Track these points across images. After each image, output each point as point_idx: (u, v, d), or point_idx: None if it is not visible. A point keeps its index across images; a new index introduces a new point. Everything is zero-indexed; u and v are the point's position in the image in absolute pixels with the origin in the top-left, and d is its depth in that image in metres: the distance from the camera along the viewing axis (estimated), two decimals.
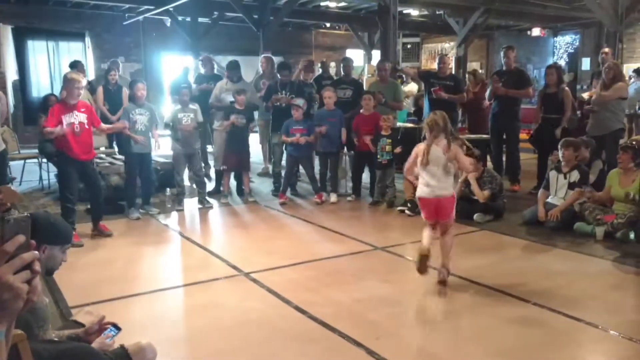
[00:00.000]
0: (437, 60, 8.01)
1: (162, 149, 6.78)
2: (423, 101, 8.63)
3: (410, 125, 9.02)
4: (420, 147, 4.24)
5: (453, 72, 10.16)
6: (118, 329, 2.32)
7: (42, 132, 7.66)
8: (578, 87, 12.04)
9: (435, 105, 7.50)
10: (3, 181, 5.87)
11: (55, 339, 2.21)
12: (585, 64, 14.32)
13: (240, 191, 7.37)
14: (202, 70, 8.84)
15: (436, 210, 4.20)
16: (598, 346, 3.30)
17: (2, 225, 1.07)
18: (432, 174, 4.15)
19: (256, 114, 8.51)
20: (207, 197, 6.94)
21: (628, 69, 11.08)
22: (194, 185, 7.22)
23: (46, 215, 2.39)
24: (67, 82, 5.31)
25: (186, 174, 6.99)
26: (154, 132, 6.37)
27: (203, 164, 8.41)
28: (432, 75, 7.84)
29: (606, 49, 8.44)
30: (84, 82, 5.49)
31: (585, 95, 7.85)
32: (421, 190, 4.23)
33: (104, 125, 6.01)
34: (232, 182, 7.50)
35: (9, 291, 1.03)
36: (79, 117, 5.30)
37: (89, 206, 5.89)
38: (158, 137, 6.51)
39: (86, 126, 5.36)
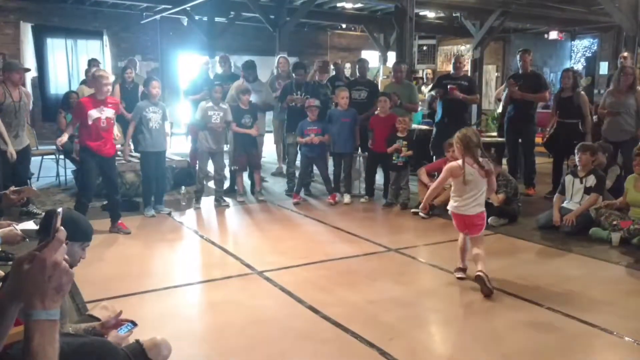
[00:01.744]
0: (453, 61, 7.99)
1: (175, 147, 6.83)
2: (436, 104, 8.60)
3: (425, 127, 9.02)
4: (452, 166, 4.15)
5: (468, 74, 10.12)
6: (134, 324, 2.35)
7: (61, 128, 7.80)
8: (595, 91, 11.92)
9: (449, 106, 7.48)
10: (27, 176, 6.00)
11: (72, 333, 2.25)
12: (603, 68, 14.15)
13: (254, 190, 7.41)
14: (220, 70, 8.84)
15: (466, 226, 4.25)
16: (612, 352, 3.27)
17: (55, 218, 1.17)
18: (467, 193, 4.14)
19: (271, 114, 8.54)
20: (223, 196, 6.97)
21: None
22: (211, 184, 7.25)
23: (69, 211, 2.42)
24: (96, 78, 5.39)
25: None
26: (166, 128, 6.37)
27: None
28: (447, 77, 7.83)
29: (625, 54, 8.35)
30: (111, 79, 5.58)
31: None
32: (453, 206, 4.23)
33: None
34: (247, 181, 7.55)
35: (66, 275, 1.13)
36: (106, 112, 5.37)
37: (105, 202, 5.96)
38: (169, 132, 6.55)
39: (112, 121, 5.45)
